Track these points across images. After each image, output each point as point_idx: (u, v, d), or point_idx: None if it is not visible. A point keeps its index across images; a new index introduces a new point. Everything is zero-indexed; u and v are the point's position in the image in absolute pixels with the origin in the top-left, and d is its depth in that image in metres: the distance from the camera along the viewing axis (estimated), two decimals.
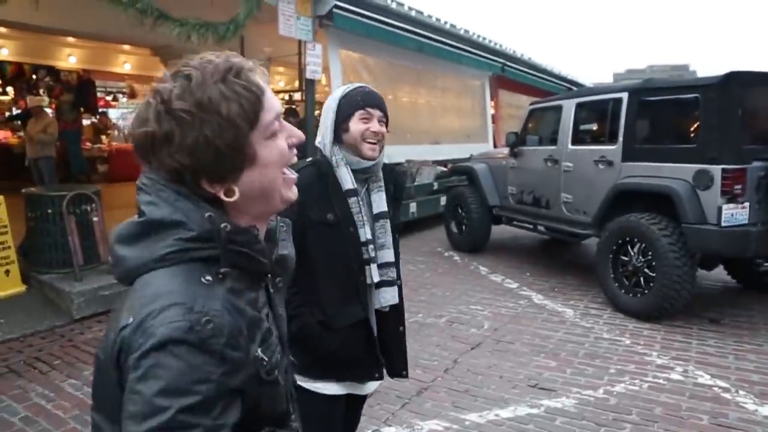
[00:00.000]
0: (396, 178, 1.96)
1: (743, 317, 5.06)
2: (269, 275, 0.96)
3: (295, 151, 0.94)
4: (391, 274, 1.84)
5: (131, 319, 0.77)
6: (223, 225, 0.82)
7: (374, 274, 1.80)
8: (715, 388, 3.68)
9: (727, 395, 3.58)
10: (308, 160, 1.87)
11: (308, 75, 7.01)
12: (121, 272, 0.85)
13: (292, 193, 0.94)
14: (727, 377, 3.84)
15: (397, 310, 1.91)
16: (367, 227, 1.79)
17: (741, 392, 3.62)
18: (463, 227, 7.74)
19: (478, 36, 11.49)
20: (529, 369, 3.99)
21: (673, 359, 4.14)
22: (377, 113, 1.79)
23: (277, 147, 0.89)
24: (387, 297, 1.84)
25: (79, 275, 4.96)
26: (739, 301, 5.53)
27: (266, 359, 0.85)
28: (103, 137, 11.74)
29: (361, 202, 1.79)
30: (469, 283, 6.24)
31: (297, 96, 10.47)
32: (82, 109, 10.95)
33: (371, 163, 1.79)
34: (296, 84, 10.83)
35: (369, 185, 1.85)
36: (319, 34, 7.12)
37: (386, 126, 1.83)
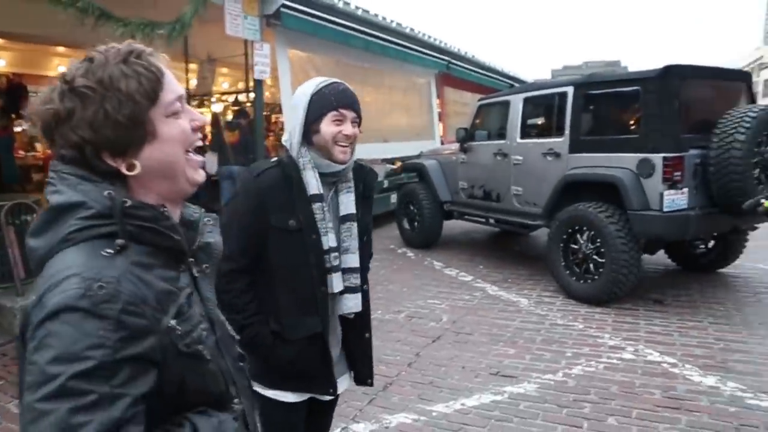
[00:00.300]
0: (365, 177, 1.85)
1: (684, 297, 5.34)
2: (193, 260, 0.99)
3: (199, 135, 0.98)
4: (355, 280, 1.76)
5: (33, 297, 0.80)
6: (122, 200, 0.85)
7: (336, 284, 1.72)
8: (664, 364, 3.88)
9: (675, 370, 3.79)
10: (273, 159, 1.76)
11: (257, 75, 6.90)
12: (34, 263, 0.88)
13: (199, 176, 0.98)
14: (674, 353, 4.05)
15: (362, 316, 1.83)
16: (331, 234, 1.70)
17: (687, 366, 3.83)
18: (416, 224, 7.81)
19: (424, 34, 11.61)
20: (490, 358, 4.08)
21: (624, 340, 4.33)
22: (351, 114, 1.69)
23: (178, 126, 0.93)
24: (350, 304, 1.76)
25: (21, 289, 4.70)
26: (679, 282, 5.83)
27: (180, 329, 0.87)
28: (38, 144, 11.16)
29: (326, 208, 1.70)
30: (425, 278, 6.31)
31: (242, 97, 10.27)
32: (13, 116, 10.39)
33: (342, 167, 1.70)
34: (240, 85, 10.64)
35: (337, 186, 1.76)
36: (266, 34, 7.02)
37: (359, 126, 1.73)
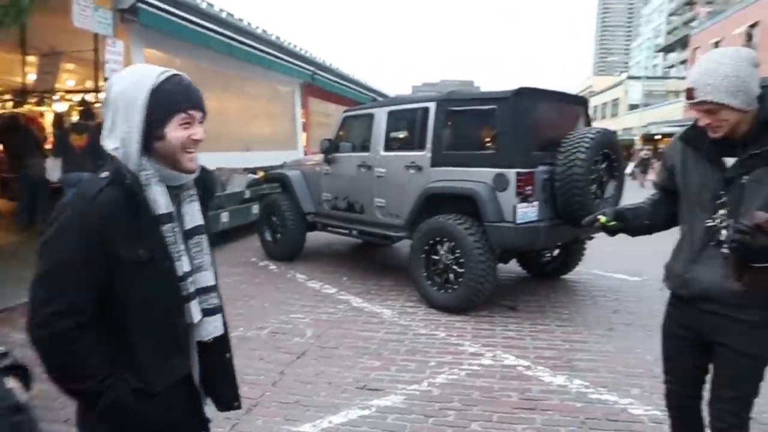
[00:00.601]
0: (205, 182, 1.60)
1: (533, 302, 5.73)
2: None
3: None
4: (213, 300, 1.55)
5: None
6: None
7: (195, 313, 1.51)
8: (519, 367, 4.09)
9: (529, 372, 4.01)
10: (104, 175, 1.40)
11: (107, 74, 6.31)
12: None
13: None
14: (527, 356, 4.30)
15: (222, 337, 1.64)
16: (185, 258, 1.48)
17: (539, 368, 4.08)
18: (278, 235, 7.61)
19: (290, 43, 11.47)
20: (356, 371, 4.03)
21: (483, 346, 4.51)
22: (199, 115, 1.45)
23: None
24: (210, 329, 1.55)
25: None
26: (529, 289, 6.27)
27: None
28: None
29: (176, 228, 1.46)
30: (288, 291, 6.14)
31: (90, 97, 9.37)
32: None
33: (192, 176, 1.48)
34: (88, 84, 9.72)
35: (180, 197, 1.52)
36: (121, 30, 6.45)
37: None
